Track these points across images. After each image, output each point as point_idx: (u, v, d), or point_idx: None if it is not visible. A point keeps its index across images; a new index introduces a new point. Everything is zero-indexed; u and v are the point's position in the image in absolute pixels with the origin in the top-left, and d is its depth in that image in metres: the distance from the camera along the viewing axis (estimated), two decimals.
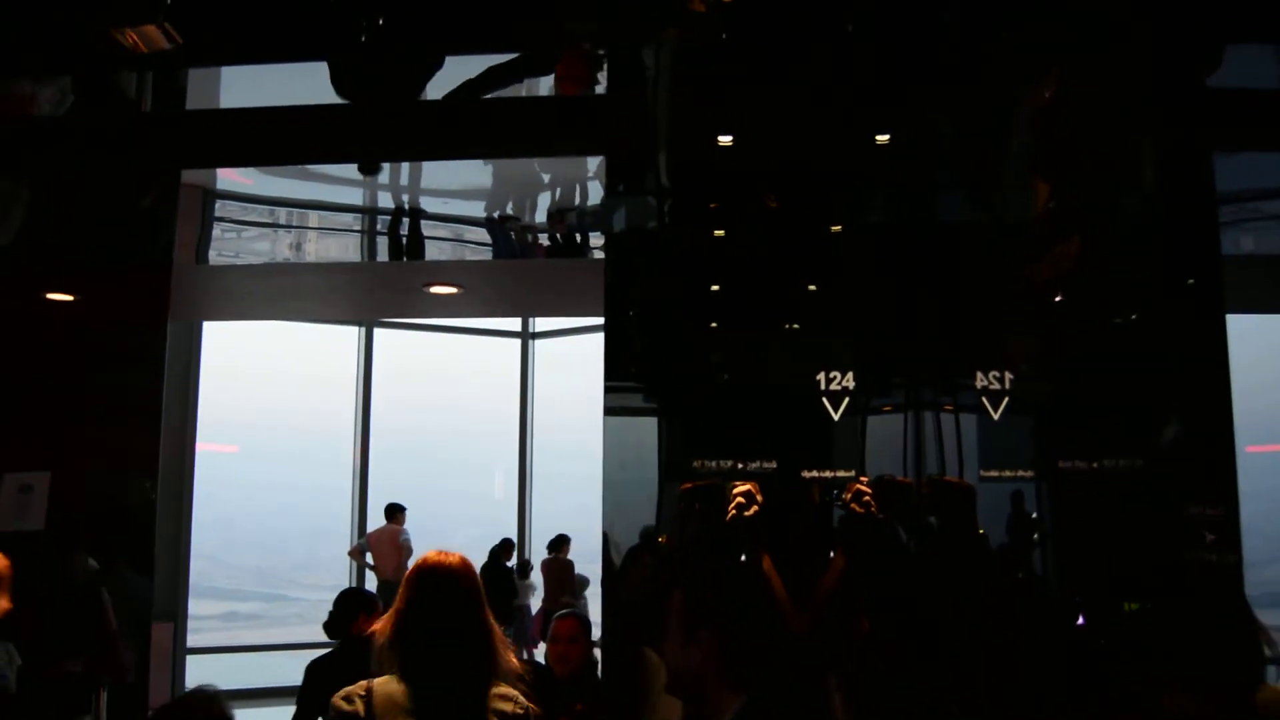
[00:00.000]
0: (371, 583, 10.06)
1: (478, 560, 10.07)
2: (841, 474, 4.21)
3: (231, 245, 6.14)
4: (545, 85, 4.49)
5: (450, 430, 12.02)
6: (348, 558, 10.34)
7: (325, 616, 4.69)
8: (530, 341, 11.57)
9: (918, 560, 4.23)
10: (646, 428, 4.71)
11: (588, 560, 10.64)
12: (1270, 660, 3.84)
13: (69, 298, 6.27)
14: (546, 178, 6.00)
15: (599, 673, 4.33)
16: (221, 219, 5.77)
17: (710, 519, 4.09)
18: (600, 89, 4.43)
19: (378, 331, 10.63)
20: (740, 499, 3.93)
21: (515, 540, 10.96)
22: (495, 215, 6.30)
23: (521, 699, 2.63)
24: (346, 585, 10.21)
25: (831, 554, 3.92)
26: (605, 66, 4.36)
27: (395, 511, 10.22)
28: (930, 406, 4.40)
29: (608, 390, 4.68)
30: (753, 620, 2.26)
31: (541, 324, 11.43)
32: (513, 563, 10.60)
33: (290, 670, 5.41)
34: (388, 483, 10.62)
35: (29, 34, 3.43)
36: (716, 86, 4.39)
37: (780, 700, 2.22)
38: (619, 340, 4.81)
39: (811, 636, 3.70)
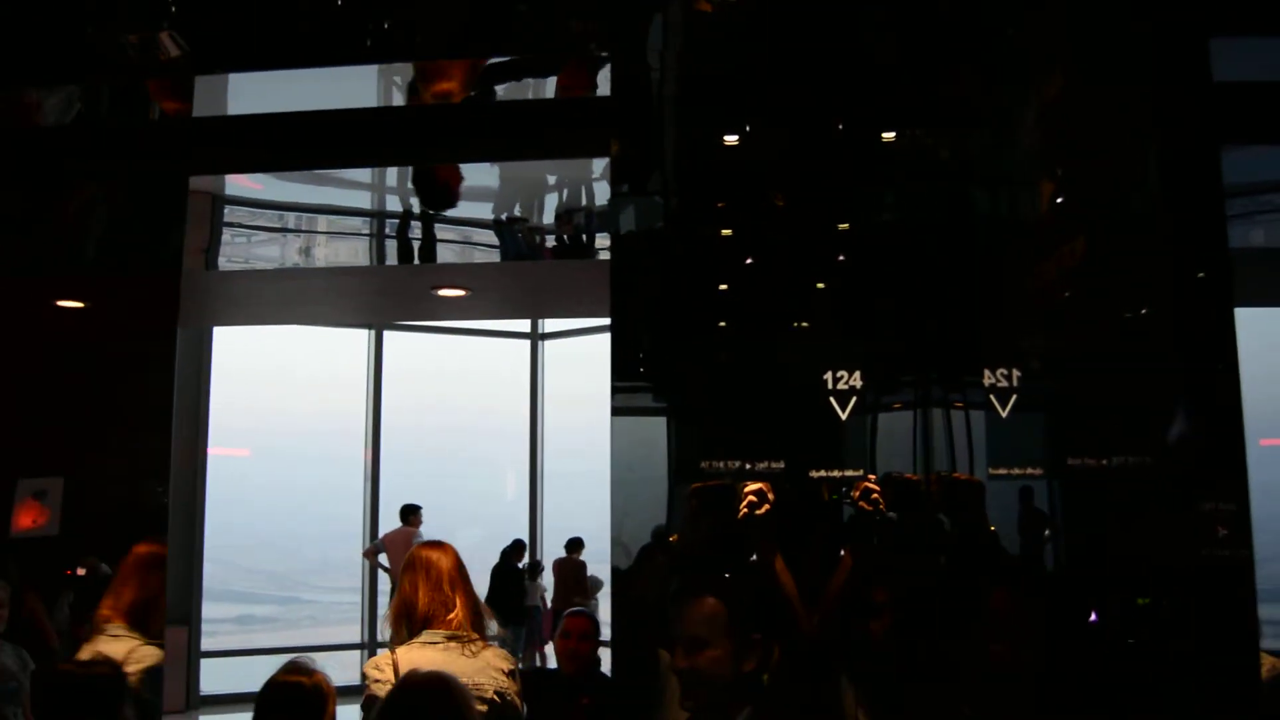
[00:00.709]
0: (386, 583, 10.10)
1: (490, 560, 10.15)
2: (850, 474, 4.20)
3: (241, 250, 6.17)
4: (549, 86, 4.50)
5: (461, 431, 12.06)
6: (362, 559, 10.37)
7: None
8: (540, 342, 11.59)
9: (927, 558, 4.23)
10: (655, 428, 4.71)
11: (599, 560, 10.67)
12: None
13: (79, 305, 6.32)
14: (552, 179, 6.02)
15: (607, 672, 4.35)
16: (230, 224, 5.80)
17: (721, 518, 4.08)
18: (603, 90, 4.43)
19: (388, 334, 10.66)
20: (752, 497, 3.92)
21: (526, 541, 10.98)
22: (503, 217, 6.32)
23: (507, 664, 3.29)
24: (360, 586, 10.27)
25: (841, 553, 3.92)
26: (609, 69, 4.36)
27: (410, 513, 10.24)
28: (938, 404, 4.39)
29: (615, 390, 4.68)
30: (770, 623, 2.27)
31: (551, 325, 11.44)
32: (524, 563, 10.62)
33: None
34: (399, 484, 10.65)
35: (34, 42, 3.45)
36: (722, 83, 4.38)
37: (792, 701, 2.23)
38: (626, 340, 4.82)
39: (822, 636, 3.70)
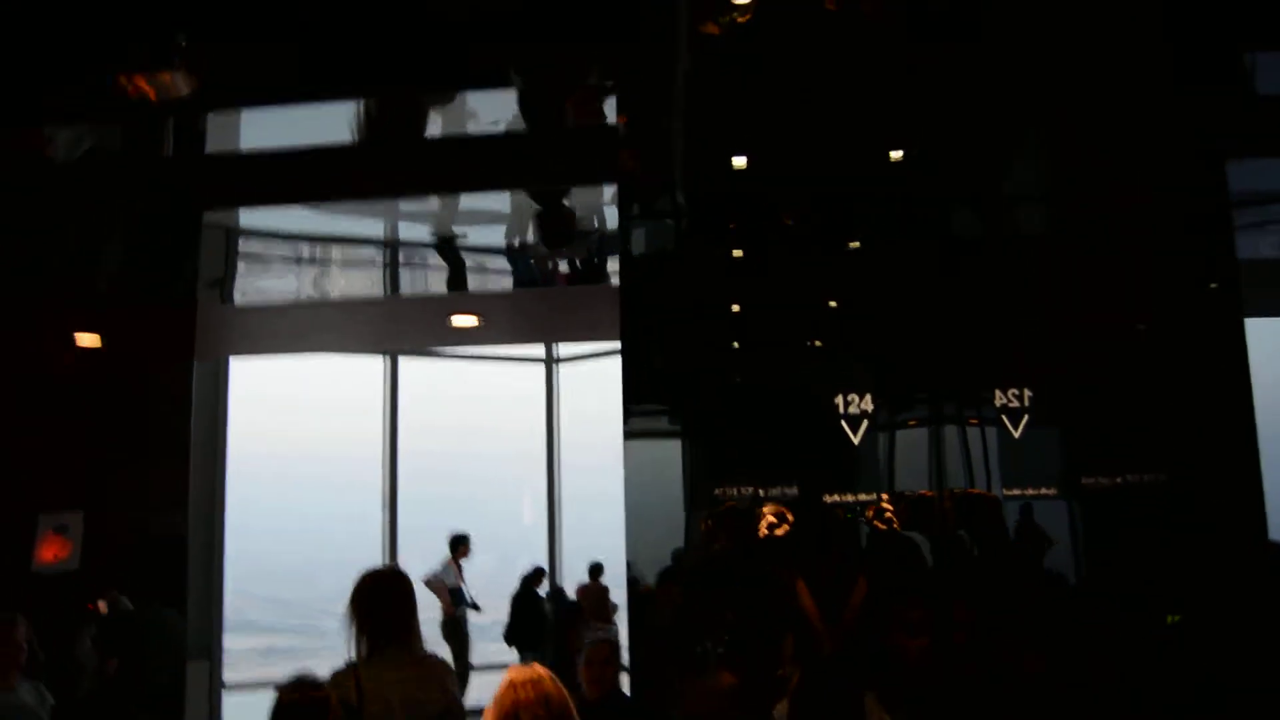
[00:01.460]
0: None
1: (507, 587, 10.11)
2: (864, 497, 4.21)
3: (255, 282, 6.22)
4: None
5: (477, 456, 12.07)
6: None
7: None
8: (554, 366, 11.61)
9: (943, 573, 4.21)
10: (668, 451, 4.72)
11: (617, 583, 10.64)
12: None
13: (96, 340, 6.39)
14: (565, 204, 6.04)
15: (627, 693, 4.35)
16: (245, 255, 5.86)
17: (740, 541, 4.09)
18: (610, 119, 4.46)
19: (403, 360, 10.70)
20: (771, 518, 3.96)
21: (546, 568, 10.94)
22: (515, 243, 6.35)
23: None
24: None
25: (858, 573, 3.92)
26: (615, 97, 4.39)
27: (456, 545, 10.23)
28: (950, 425, 4.39)
29: (627, 414, 4.69)
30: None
31: (565, 349, 11.46)
32: (543, 589, 10.57)
33: None
34: (416, 510, 10.66)
35: (47, 80, 3.50)
36: (730, 108, 4.42)
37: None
38: (637, 364, 4.83)
39: (843, 654, 3.69)
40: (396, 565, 3.81)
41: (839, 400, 4.39)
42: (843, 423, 4.36)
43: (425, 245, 6.22)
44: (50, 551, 7.20)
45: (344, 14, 3.53)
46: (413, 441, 10.72)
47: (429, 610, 10.05)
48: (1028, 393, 4.27)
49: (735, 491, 4.31)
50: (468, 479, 12.04)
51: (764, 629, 3.56)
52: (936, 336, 4.53)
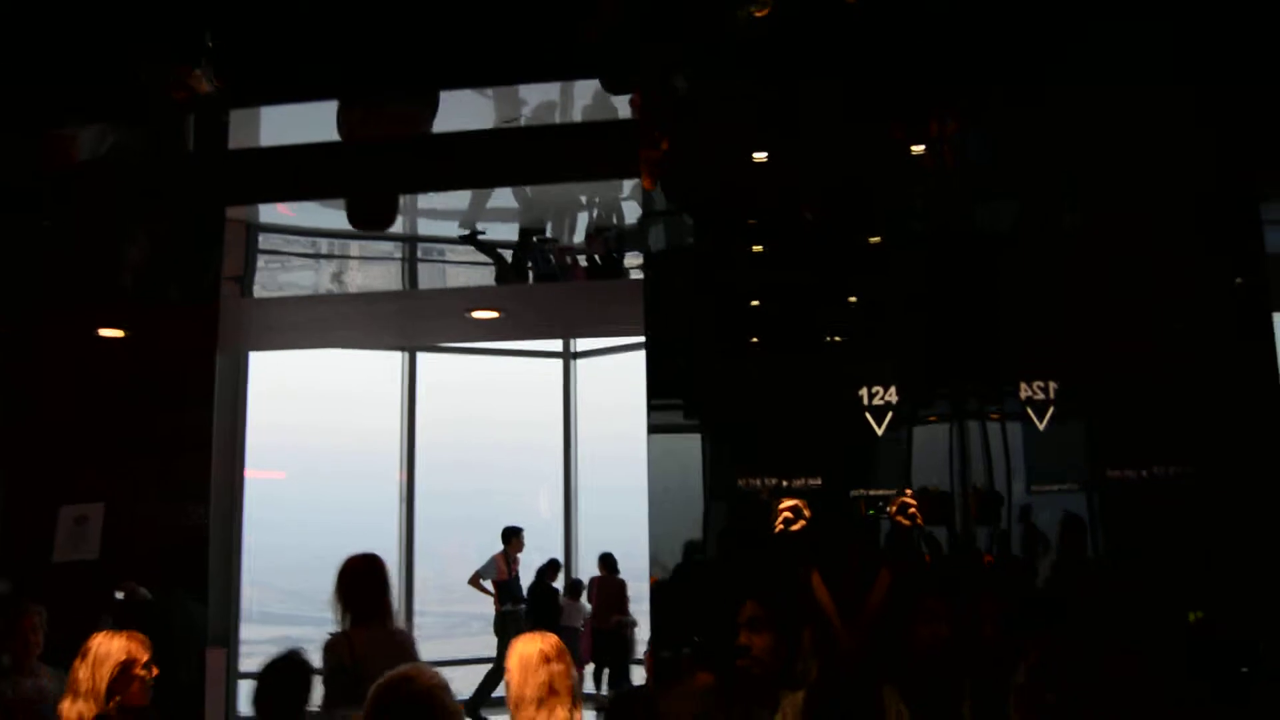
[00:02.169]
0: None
1: (525, 579, 10.12)
2: (887, 491, 4.17)
3: (275, 277, 6.24)
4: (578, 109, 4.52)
5: (495, 450, 12.08)
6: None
7: None
8: (572, 361, 11.62)
9: (966, 570, 4.18)
10: (691, 445, 4.70)
11: (634, 577, 10.62)
12: None
13: (120, 333, 6.42)
14: (584, 199, 6.04)
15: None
16: (265, 251, 5.88)
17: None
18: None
19: (421, 355, 10.73)
20: (788, 514, 3.88)
21: (561, 561, 10.94)
22: (534, 238, 6.35)
23: None
24: (397, 607, 10.29)
25: (879, 568, 3.88)
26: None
27: (510, 536, 10.25)
28: (975, 418, 4.35)
29: (651, 408, 4.68)
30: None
31: (583, 343, 11.47)
32: (558, 583, 10.56)
33: None
34: (434, 503, 10.68)
35: (73, 80, 3.52)
36: (752, 100, 4.39)
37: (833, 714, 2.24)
38: (661, 358, 4.82)
39: (862, 650, 3.66)
40: (373, 553, 4.34)
41: (863, 392, 4.36)
42: (867, 415, 4.33)
43: (448, 241, 6.23)
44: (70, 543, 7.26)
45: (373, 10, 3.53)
46: (430, 435, 10.74)
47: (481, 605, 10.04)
48: (1053, 385, 4.23)
49: (759, 483, 4.29)
50: (485, 472, 12.05)
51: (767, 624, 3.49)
52: (961, 330, 4.49)
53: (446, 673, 2.87)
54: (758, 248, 5.11)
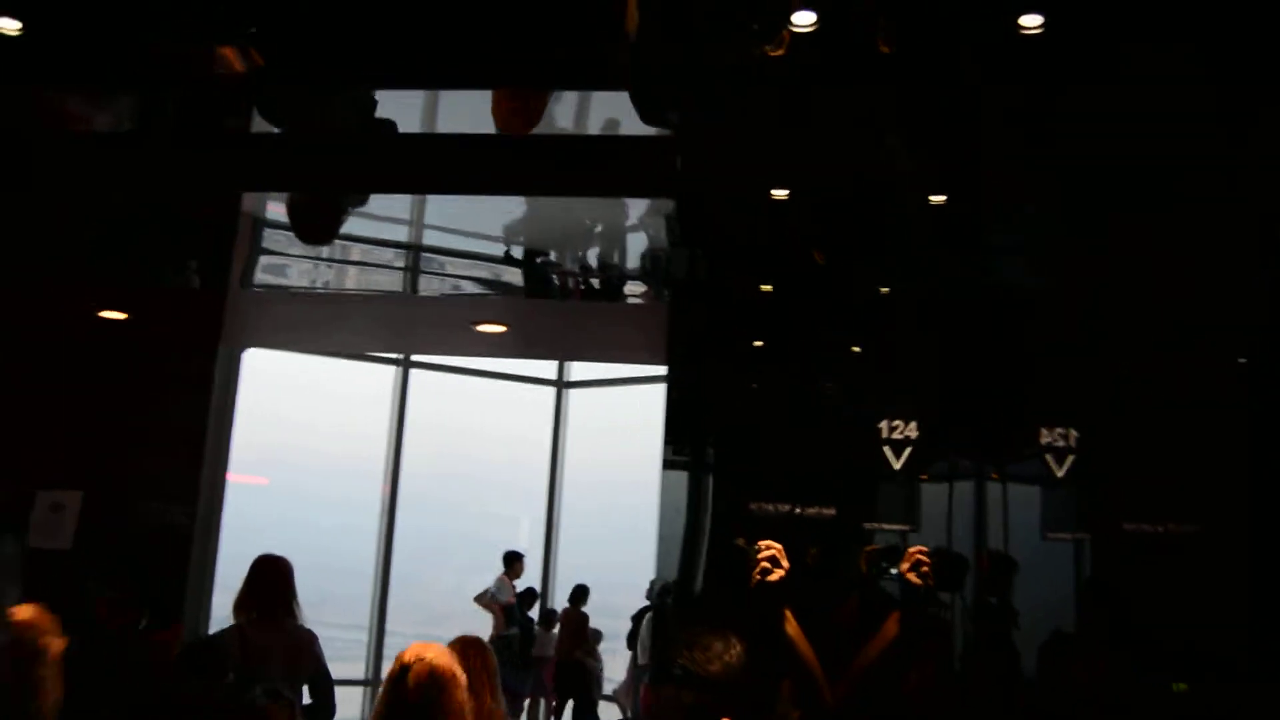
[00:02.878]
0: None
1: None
2: (899, 526, 4.12)
3: (276, 276, 6.23)
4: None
5: (479, 478, 12.02)
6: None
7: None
8: (564, 391, 11.59)
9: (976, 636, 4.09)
10: (704, 481, 4.71)
11: (606, 615, 10.55)
12: None
13: (117, 317, 6.35)
14: (588, 222, 6.04)
15: None
16: (268, 250, 5.87)
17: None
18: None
19: (414, 373, 10.69)
20: (765, 563, 3.60)
21: (539, 590, 10.88)
22: (537, 260, 6.35)
23: None
24: (368, 624, 10.17)
25: (880, 622, 3.60)
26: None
27: (512, 560, 10.26)
28: (992, 467, 4.31)
29: (667, 444, 4.68)
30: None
31: (577, 372, 11.46)
32: (534, 612, 10.52)
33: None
34: (414, 525, 10.59)
35: (100, 47, 3.50)
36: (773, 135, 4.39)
37: None
38: (682, 393, 4.80)
39: (848, 707, 3.51)
40: (282, 555, 4.64)
41: (883, 426, 4.32)
42: (885, 448, 4.29)
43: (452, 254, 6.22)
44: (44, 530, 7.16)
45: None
46: (417, 456, 10.68)
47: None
48: (1074, 433, 4.20)
49: (771, 509, 4.25)
50: (470, 496, 11.99)
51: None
52: (974, 378, 4.47)
53: None
54: (766, 288, 5.14)
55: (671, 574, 4.80)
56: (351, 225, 5.50)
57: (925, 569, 3.59)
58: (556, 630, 10.46)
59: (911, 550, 3.65)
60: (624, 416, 11.13)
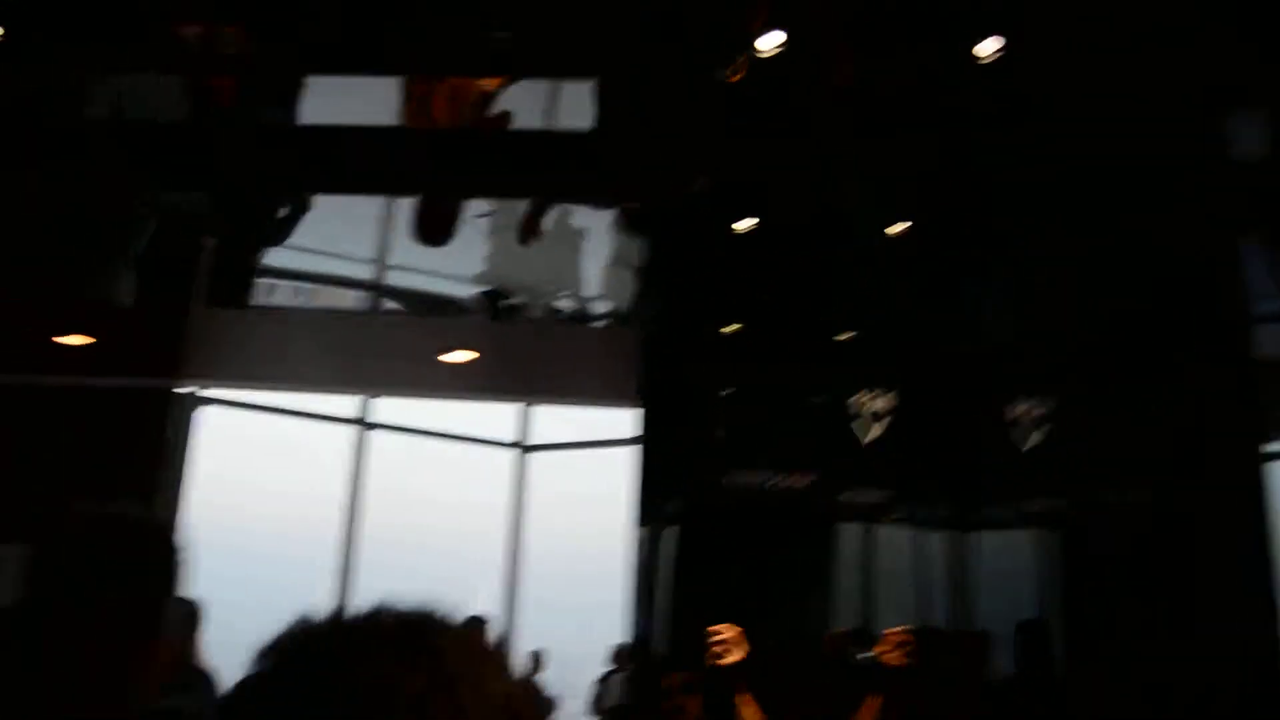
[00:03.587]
0: None
1: None
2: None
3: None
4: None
5: (436, 548, 11.79)
6: None
7: None
8: (524, 454, 11.48)
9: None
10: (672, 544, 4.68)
11: (563, 682, 10.26)
12: None
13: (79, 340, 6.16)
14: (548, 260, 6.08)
15: None
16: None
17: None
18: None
19: (372, 434, 10.58)
20: (716, 648, 3.44)
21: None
22: (498, 302, 6.37)
23: None
24: None
25: (860, 700, 3.44)
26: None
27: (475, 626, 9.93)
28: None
29: (643, 497, 4.65)
30: None
31: (539, 434, 11.39)
32: None
33: None
34: (368, 588, 10.32)
35: (100, 23, 3.50)
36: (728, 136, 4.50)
37: None
38: (655, 455, 4.79)
39: None
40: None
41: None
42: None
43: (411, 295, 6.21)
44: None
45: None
46: (373, 518, 10.48)
47: None
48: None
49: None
50: (424, 566, 11.73)
51: None
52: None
53: None
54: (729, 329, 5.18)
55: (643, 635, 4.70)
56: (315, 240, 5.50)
57: (910, 648, 3.42)
58: None
59: (888, 632, 3.50)
60: (589, 480, 11.02)
